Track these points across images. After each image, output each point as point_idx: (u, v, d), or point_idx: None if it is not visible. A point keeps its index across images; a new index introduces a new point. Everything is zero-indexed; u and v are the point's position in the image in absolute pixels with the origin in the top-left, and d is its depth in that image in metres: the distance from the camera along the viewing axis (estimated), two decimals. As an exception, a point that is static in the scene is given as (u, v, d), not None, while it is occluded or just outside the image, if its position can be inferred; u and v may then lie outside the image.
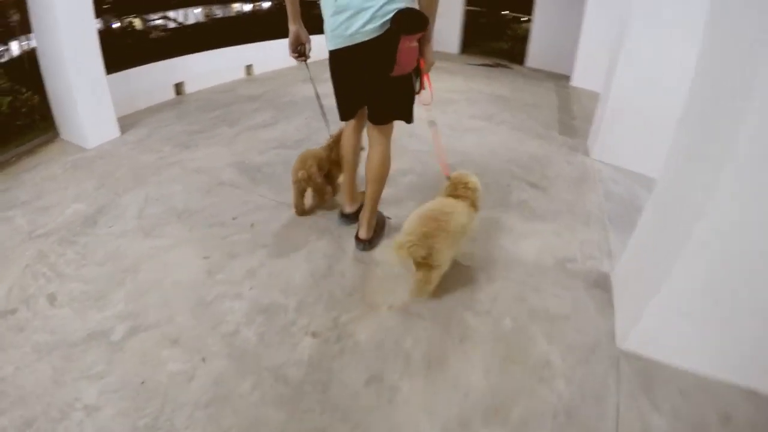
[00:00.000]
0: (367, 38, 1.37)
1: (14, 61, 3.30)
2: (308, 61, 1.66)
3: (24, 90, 2.88)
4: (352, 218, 1.80)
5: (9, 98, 2.74)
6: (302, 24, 1.56)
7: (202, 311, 1.35)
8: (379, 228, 1.76)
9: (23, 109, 2.83)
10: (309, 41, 1.60)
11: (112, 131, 2.67)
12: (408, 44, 1.35)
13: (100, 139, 2.59)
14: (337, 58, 1.48)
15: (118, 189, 2.06)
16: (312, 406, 1.11)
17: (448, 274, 1.44)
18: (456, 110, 3.60)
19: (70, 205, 1.93)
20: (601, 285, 1.60)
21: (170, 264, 1.55)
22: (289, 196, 1.96)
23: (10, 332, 1.28)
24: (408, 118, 1.58)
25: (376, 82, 1.45)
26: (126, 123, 2.88)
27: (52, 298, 1.40)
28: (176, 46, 3.58)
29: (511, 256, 1.71)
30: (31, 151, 2.60)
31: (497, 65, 5.41)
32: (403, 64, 1.39)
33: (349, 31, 1.37)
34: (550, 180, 2.43)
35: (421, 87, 1.55)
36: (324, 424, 1.07)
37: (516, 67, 5.38)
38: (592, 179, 2.50)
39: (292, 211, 1.88)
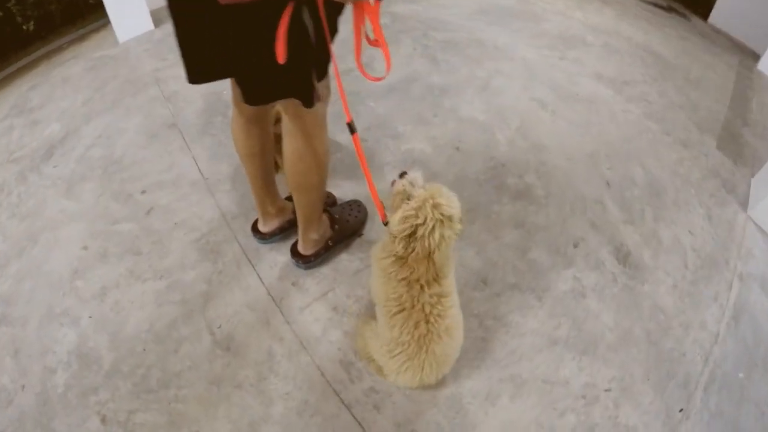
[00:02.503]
0: None
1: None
2: None
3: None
4: (268, 237, 1.34)
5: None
6: None
7: (46, 326, 1.25)
8: (336, 238, 1.27)
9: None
10: None
11: (144, 24, 2.47)
12: None
13: (129, 32, 2.44)
14: None
15: (94, 110, 1.97)
16: None
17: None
18: (579, 59, 2.25)
19: (52, 123, 1.95)
20: None
21: (59, 243, 1.44)
22: (221, 168, 1.61)
23: None
24: (302, 95, 0.88)
25: (216, 16, 0.77)
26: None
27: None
28: None
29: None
30: (82, 38, 2.68)
31: (671, 10, 3.35)
32: None
33: None
34: (658, 248, 1.36)
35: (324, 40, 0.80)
36: None
37: (695, 19, 3.23)
38: (729, 269, 1.32)
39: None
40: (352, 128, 0.87)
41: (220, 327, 1.16)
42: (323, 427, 0.98)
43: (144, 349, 1.16)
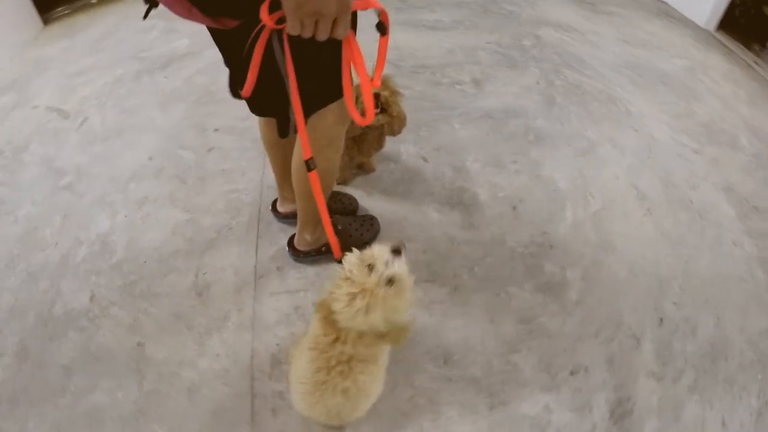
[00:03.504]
0: None
1: None
2: None
3: None
4: (281, 217, 1.50)
5: None
6: None
7: (94, 207, 1.56)
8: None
9: None
10: None
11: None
12: None
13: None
14: None
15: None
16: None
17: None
18: (717, 160, 1.93)
19: (184, 38, 2.37)
20: None
21: (135, 145, 1.78)
22: None
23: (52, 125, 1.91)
24: (278, 122, 0.97)
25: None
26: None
27: (84, 121, 1.95)
28: None
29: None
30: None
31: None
32: None
33: None
34: (670, 423, 1.18)
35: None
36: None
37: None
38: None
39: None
40: (309, 166, 0.89)
41: (205, 274, 1.37)
42: (224, 398, 1.11)
43: (145, 262, 1.42)
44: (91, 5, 2.87)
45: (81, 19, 2.72)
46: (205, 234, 1.47)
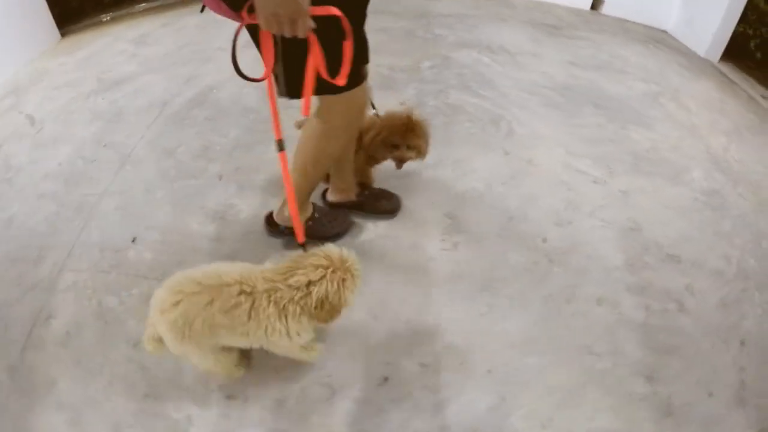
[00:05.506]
0: None
1: None
2: None
3: None
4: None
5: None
6: None
7: (16, 196, 2.58)
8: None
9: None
10: None
11: None
12: None
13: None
14: None
15: (161, 65, 3.23)
16: None
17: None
18: (627, 192, 1.84)
19: (135, 65, 3.34)
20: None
21: (56, 153, 2.78)
22: (152, 153, 2.61)
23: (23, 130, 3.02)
24: None
25: None
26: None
27: (41, 129, 3.02)
28: None
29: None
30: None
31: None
32: None
33: None
34: None
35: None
36: None
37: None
38: None
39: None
40: (279, 146, 1.25)
41: (42, 248, 2.29)
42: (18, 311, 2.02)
43: (19, 230, 2.39)
44: (102, 23, 3.97)
45: (88, 37, 3.80)
46: (55, 221, 2.34)
